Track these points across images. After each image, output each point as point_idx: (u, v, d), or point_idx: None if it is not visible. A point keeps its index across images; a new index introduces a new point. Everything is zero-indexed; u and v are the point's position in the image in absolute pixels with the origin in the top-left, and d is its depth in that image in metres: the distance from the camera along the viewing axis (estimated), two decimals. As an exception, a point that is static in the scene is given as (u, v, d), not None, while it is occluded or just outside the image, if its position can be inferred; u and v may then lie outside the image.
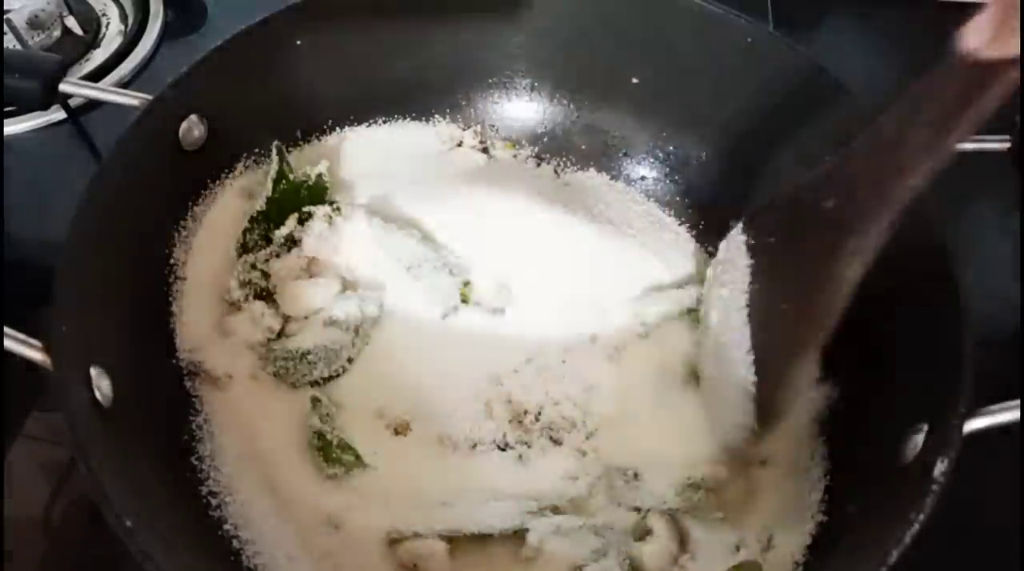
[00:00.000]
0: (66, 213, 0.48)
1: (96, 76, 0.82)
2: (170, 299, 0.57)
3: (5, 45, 0.80)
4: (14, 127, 0.78)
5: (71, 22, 0.85)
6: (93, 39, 0.85)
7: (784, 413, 0.54)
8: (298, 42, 0.62)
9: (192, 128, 0.58)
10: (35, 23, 0.82)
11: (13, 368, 0.60)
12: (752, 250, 0.56)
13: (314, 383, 0.57)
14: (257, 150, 0.64)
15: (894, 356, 0.53)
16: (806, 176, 0.53)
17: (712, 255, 0.61)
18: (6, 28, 0.79)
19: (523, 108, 0.72)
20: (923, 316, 0.50)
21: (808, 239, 0.51)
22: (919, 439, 0.45)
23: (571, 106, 0.71)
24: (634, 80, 0.68)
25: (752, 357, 0.54)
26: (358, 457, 0.54)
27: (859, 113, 0.55)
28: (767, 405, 0.53)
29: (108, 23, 0.87)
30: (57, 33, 0.84)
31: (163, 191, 0.57)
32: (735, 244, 0.57)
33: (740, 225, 0.57)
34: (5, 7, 0.81)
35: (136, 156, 0.53)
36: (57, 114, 0.79)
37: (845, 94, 0.57)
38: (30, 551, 0.56)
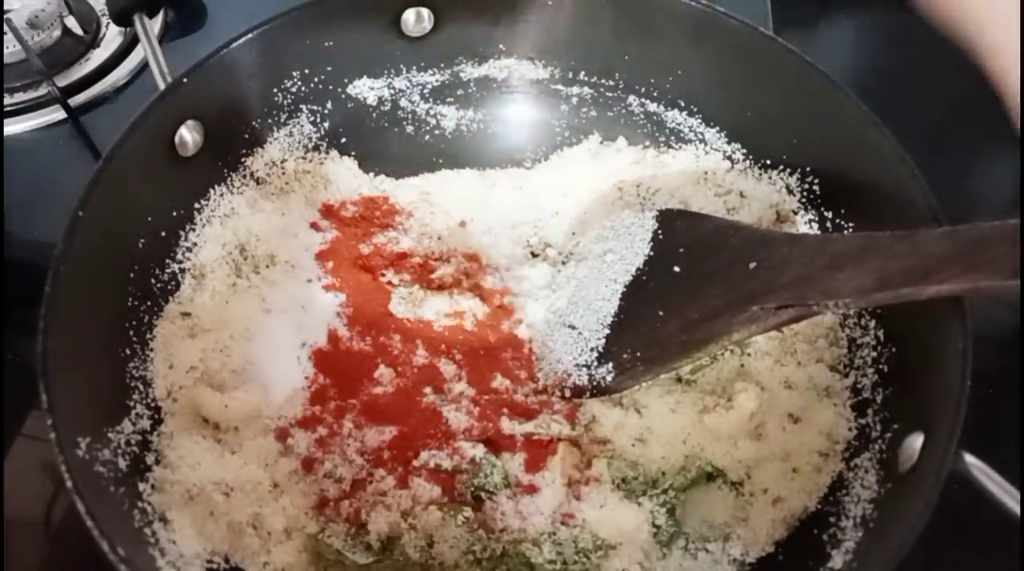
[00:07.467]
0: (66, 213, 0.48)
1: (96, 76, 0.82)
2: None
3: (5, 45, 0.80)
4: (14, 127, 0.78)
5: (71, 22, 0.85)
6: (93, 39, 0.85)
7: (609, 393, 0.54)
8: (296, 47, 0.62)
9: (188, 134, 0.57)
10: (35, 23, 0.82)
11: (13, 368, 0.60)
12: (657, 244, 0.56)
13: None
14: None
15: (896, 363, 0.53)
16: (745, 225, 0.53)
17: None
18: (6, 28, 0.79)
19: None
20: (925, 323, 0.49)
21: (716, 279, 0.51)
22: (916, 447, 0.45)
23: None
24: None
25: (605, 331, 0.55)
26: None
27: (856, 119, 0.55)
28: (597, 380, 0.54)
29: (108, 23, 0.86)
30: (57, 33, 0.83)
31: (159, 197, 0.56)
32: (644, 227, 0.57)
33: (655, 213, 0.57)
34: (5, 7, 0.81)
35: (129, 162, 0.52)
36: (57, 114, 0.79)
37: (843, 97, 0.57)
38: (30, 551, 0.56)
